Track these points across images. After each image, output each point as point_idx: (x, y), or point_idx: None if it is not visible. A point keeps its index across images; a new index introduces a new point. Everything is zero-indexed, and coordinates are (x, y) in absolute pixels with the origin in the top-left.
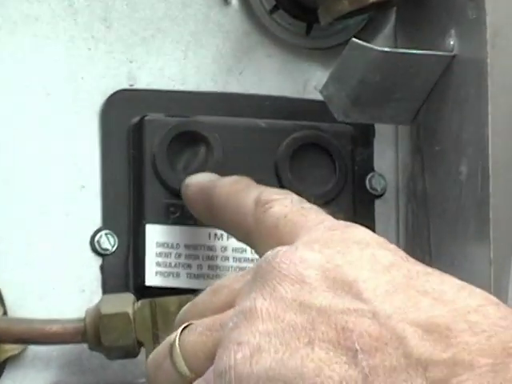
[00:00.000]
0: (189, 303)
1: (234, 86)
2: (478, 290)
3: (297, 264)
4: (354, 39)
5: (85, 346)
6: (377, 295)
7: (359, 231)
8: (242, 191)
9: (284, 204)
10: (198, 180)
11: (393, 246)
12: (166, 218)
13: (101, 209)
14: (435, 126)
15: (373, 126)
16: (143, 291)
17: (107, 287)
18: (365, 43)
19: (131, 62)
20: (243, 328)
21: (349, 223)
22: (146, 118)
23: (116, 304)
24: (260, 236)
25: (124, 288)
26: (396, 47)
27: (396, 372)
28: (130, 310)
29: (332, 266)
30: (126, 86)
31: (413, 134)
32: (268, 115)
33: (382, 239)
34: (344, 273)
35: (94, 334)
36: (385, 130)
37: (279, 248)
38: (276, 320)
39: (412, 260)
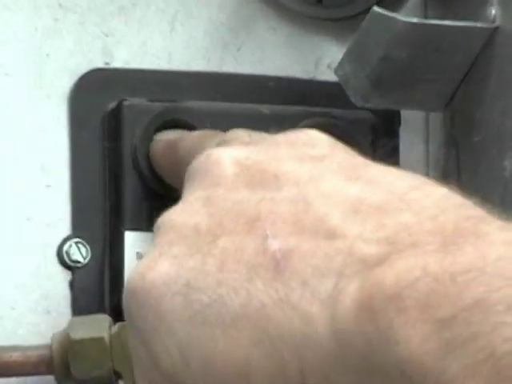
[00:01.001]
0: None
1: (231, 65)
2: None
3: (214, 164)
4: (375, 8)
5: (51, 378)
6: (298, 183)
7: (294, 132)
8: (207, 139)
9: (245, 138)
10: (167, 134)
11: (351, 152)
12: (148, 224)
13: (70, 213)
14: (473, 112)
15: (398, 112)
16: (121, 312)
17: (78, 307)
18: (389, 12)
19: (107, 35)
20: (154, 241)
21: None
22: (125, 103)
23: (89, 327)
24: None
25: (98, 308)
26: (426, 17)
27: (315, 256)
28: (105, 335)
29: (252, 162)
30: (100, 64)
31: (446, 123)
32: (272, 100)
33: (339, 145)
34: (264, 168)
35: (63, 363)
36: (412, 117)
37: (204, 153)
38: (179, 227)
39: (361, 159)
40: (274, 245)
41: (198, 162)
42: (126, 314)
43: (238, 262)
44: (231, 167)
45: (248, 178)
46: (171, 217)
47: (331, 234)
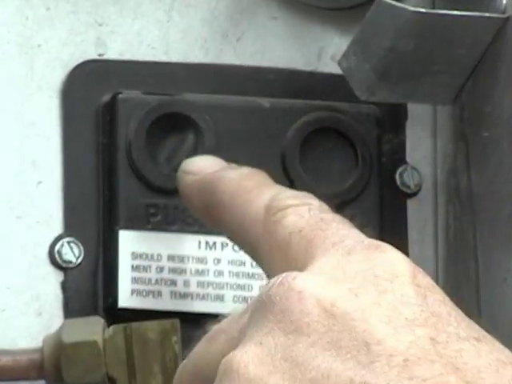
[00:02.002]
0: (184, 361)
1: (230, 56)
2: None
3: (296, 304)
4: None
5: (42, 383)
6: (392, 366)
7: (386, 258)
8: (251, 191)
9: (300, 213)
10: (200, 167)
11: (427, 282)
12: (144, 223)
13: (62, 211)
14: (483, 106)
15: (405, 106)
16: (116, 314)
17: (70, 309)
18: (395, 2)
19: (101, 24)
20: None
21: (376, 243)
22: (120, 96)
23: (81, 330)
24: (269, 251)
25: (91, 310)
26: (434, 7)
27: None
28: (98, 338)
29: (339, 312)
30: (94, 55)
31: (455, 117)
32: (272, 92)
33: (414, 270)
34: (352, 327)
35: (54, 368)
36: (420, 111)
37: (285, 275)
38: (252, 382)
39: (445, 311)
40: None
41: (275, 292)
42: None
43: None
44: (315, 313)
45: (334, 336)
46: (243, 362)
47: None
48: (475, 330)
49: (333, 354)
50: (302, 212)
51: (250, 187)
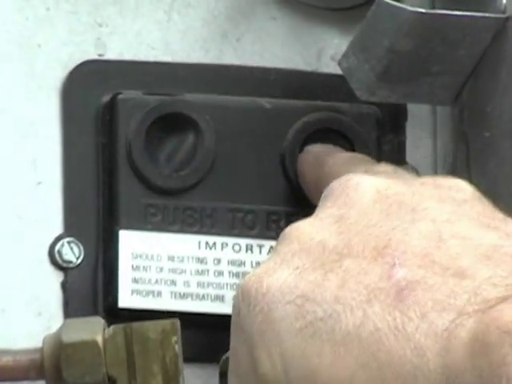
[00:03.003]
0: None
1: (230, 56)
2: None
3: (353, 187)
4: None
5: (42, 383)
6: (435, 220)
7: (444, 178)
8: (355, 163)
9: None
10: (317, 148)
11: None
12: (144, 223)
13: (62, 211)
14: (484, 106)
15: (404, 107)
16: (116, 314)
17: (70, 309)
18: (395, 2)
19: (100, 25)
20: (276, 248)
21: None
22: (120, 96)
23: (82, 330)
24: None
25: (91, 310)
26: (434, 7)
27: (440, 291)
28: (99, 338)
29: (392, 192)
30: (94, 56)
31: (455, 118)
32: (273, 93)
33: (483, 198)
34: (403, 200)
35: (54, 368)
36: (419, 112)
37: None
38: (305, 240)
39: (501, 214)
40: (401, 273)
41: (337, 183)
42: (233, 313)
43: (359, 282)
44: (370, 193)
45: (384, 207)
46: (298, 228)
47: (460, 273)
48: None
49: (381, 216)
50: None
51: (355, 162)
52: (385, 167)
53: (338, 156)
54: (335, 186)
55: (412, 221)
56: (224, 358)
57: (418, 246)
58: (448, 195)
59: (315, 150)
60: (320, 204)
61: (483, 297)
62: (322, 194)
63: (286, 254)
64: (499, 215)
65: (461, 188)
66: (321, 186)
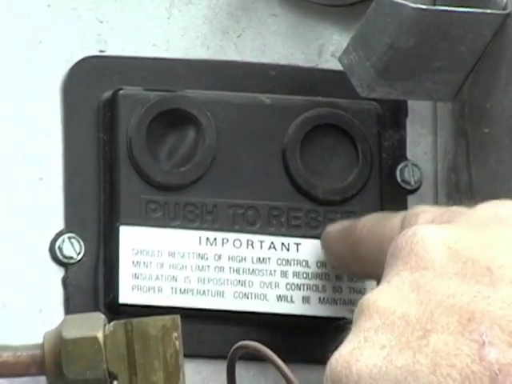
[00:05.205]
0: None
1: (231, 53)
2: None
3: (419, 244)
4: None
5: (42, 379)
6: None
7: (503, 206)
8: (385, 218)
9: (430, 211)
10: (339, 223)
11: None
12: (144, 219)
13: (63, 207)
14: (484, 103)
15: (405, 103)
16: (116, 310)
17: (71, 305)
18: None
19: (101, 21)
20: (356, 323)
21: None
22: (121, 92)
23: (82, 326)
24: None
25: (92, 306)
26: (435, 4)
27: None
28: (99, 334)
29: (461, 247)
30: (94, 52)
31: (455, 114)
32: (273, 89)
33: None
34: (475, 256)
35: (55, 363)
36: (420, 108)
37: (409, 228)
38: (385, 313)
39: None
40: (492, 354)
41: (401, 240)
42: None
43: (451, 366)
44: (439, 250)
45: (459, 266)
46: (377, 300)
47: None
48: None
49: (457, 280)
50: (432, 210)
51: (383, 216)
52: (417, 208)
53: (365, 218)
54: (400, 243)
55: (491, 284)
56: (235, 347)
57: (504, 318)
58: None
59: (337, 224)
60: (389, 266)
61: None
62: (389, 252)
63: (369, 330)
64: None
65: None
66: (357, 252)
